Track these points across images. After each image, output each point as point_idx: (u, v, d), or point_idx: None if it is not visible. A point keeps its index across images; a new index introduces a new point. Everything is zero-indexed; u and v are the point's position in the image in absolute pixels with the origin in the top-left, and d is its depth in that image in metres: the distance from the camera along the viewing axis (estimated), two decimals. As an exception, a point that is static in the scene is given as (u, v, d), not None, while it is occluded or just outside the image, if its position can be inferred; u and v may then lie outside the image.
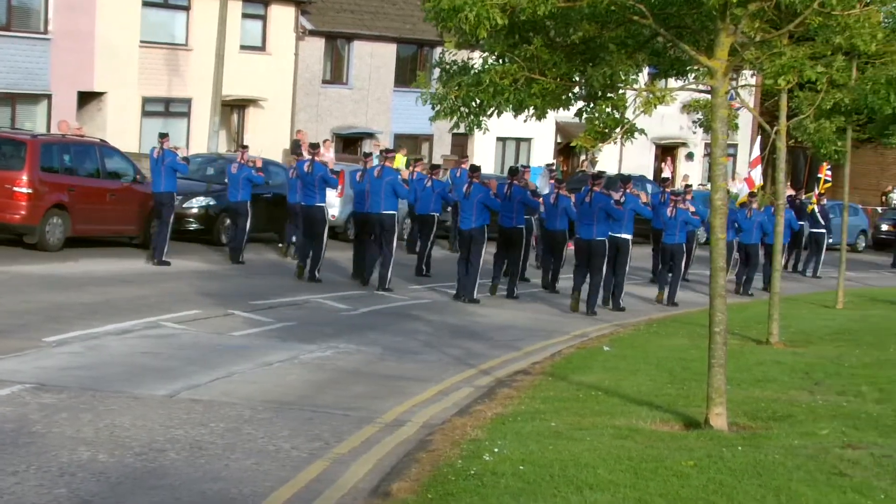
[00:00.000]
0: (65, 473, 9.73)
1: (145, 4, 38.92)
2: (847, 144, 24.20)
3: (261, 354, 15.81)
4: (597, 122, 12.79)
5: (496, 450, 10.68)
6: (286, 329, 18.12)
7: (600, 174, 25.84)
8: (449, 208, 30.42)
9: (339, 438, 11.64)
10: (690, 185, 32.30)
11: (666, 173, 53.55)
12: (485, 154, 48.34)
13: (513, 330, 20.17)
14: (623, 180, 25.74)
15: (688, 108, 52.85)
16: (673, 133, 55.73)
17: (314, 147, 25.26)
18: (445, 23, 11.77)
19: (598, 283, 23.29)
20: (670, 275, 26.13)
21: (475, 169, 24.55)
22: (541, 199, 25.58)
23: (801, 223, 35.50)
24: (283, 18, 42.93)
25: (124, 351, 15.37)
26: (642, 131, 13.08)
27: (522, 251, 25.31)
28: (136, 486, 9.56)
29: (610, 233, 23.43)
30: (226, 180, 28.09)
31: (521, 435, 11.44)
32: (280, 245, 29.74)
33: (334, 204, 31.16)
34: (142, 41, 38.69)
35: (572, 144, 14.13)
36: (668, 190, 28.74)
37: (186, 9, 40.13)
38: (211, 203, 28.64)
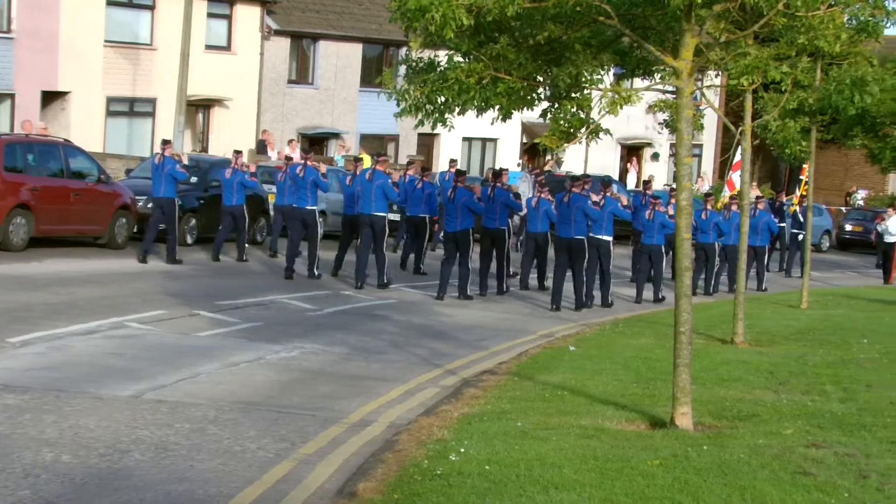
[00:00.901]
0: (29, 475, 9.68)
1: (109, 4, 38.80)
2: (811, 145, 24.32)
3: (227, 355, 15.76)
4: (562, 122, 12.79)
5: (462, 450, 10.68)
6: (252, 329, 18.08)
7: (586, 177, 26.71)
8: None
9: (306, 439, 11.62)
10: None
11: (631, 173, 53.75)
12: (451, 154, 48.34)
13: (479, 330, 20.18)
14: (604, 183, 26.42)
15: (653, 108, 52.90)
16: (638, 133, 55.88)
17: (307, 152, 26.40)
18: (411, 23, 11.75)
19: (581, 281, 23.89)
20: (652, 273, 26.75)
21: (461, 173, 25.66)
22: (523, 202, 26.38)
23: (782, 225, 35.96)
24: (248, 18, 42.84)
25: (89, 351, 15.30)
26: (607, 131, 13.09)
27: (507, 250, 25.84)
28: (100, 488, 9.52)
29: (590, 234, 23.98)
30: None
31: (487, 435, 11.44)
32: (246, 245, 29.78)
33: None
34: (106, 41, 38.58)
35: (536, 141, 14.13)
36: (648, 192, 29.12)
37: (151, 8, 40.02)
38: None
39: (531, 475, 9.79)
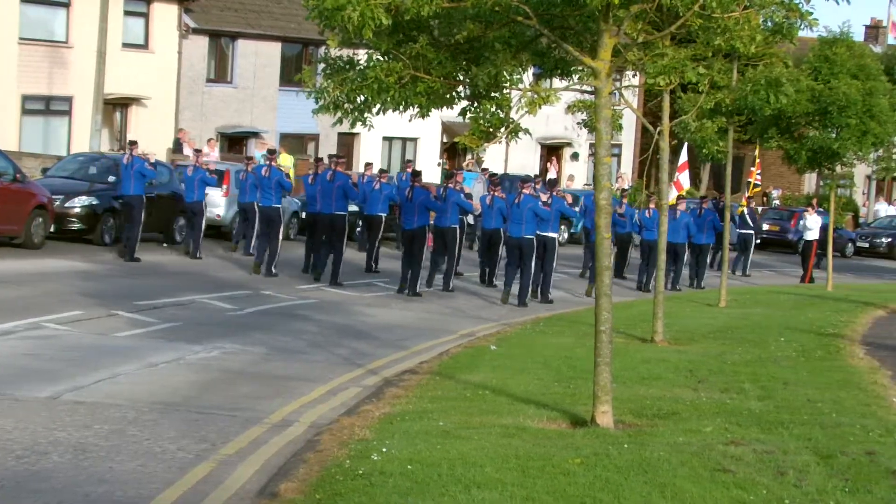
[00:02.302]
0: (-56, 478, 9.56)
1: (24, 1, 38.26)
2: (728, 145, 24.55)
3: (146, 355, 15.64)
4: (481, 122, 12.82)
5: (384, 449, 10.67)
6: (171, 330, 17.95)
7: (529, 177, 28.75)
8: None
9: (226, 439, 11.56)
10: (627, 189, 34.57)
11: (551, 173, 53.96)
12: (371, 153, 48.31)
13: (400, 329, 20.18)
14: (550, 183, 28.09)
15: (572, 108, 53.23)
16: (558, 133, 56.09)
17: (271, 153, 27.92)
18: (329, 22, 11.71)
19: (528, 278, 25.03)
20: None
21: (417, 174, 26.80)
22: (476, 203, 28.11)
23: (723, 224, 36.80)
24: (165, 16, 42.50)
25: (5, 352, 15.11)
26: (527, 131, 13.14)
27: (457, 248, 26.84)
28: (18, 490, 9.41)
29: (538, 231, 25.08)
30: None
31: (409, 434, 11.44)
32: (164, 245, 29.64)
33: (219, 204, 31.04)
34: (21, 38, 38.05)
35: (456, 140, 14.15)
36: None
37: (66, 6, 39.53)
38: (94, 202, 28.28)
39: (453, 474, 9.80)
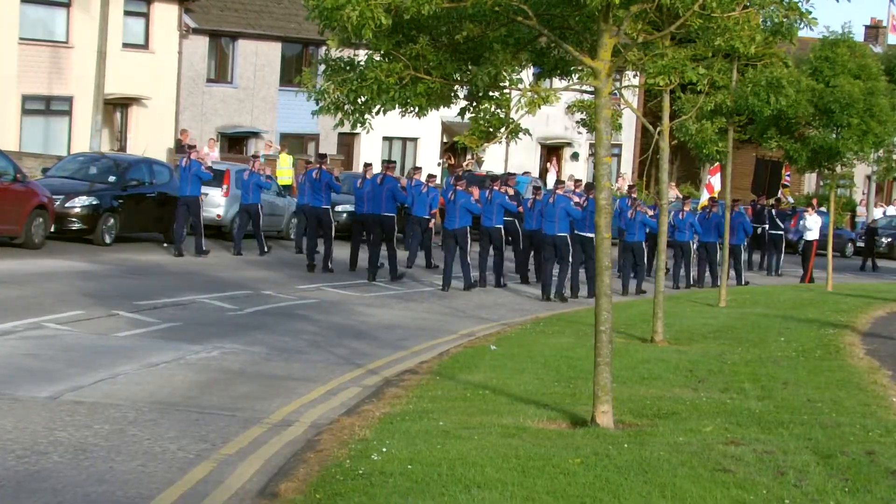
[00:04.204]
0: (-55, 478, 9.56)
1: (24, 1, 38.24)
2: (728, 145, 24.53)
3: (146, 355, 15.64)
4: (482, 122, 12.83)
5: (384, 449, 10.68)
6: (171, 329, 17.95)
7: (560, 182, 30.33)
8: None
9: (226, 439, 11.57)
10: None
11: (551, 173, 54.00)
12: (371, 153, 48.29)
13: (400, 329, 20.18)
14: (587, 186, 29.11)
15: (572, 108, 53.30)
16: (558, 133, 56.12)
17: (322, 157, 29.88)
18: (329, 22, 11.71)
19: (565, 273, 26.74)
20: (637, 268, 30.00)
21: (459, 178, 29.10)
22: (519, 205, 29.68)
23: (761, 226, 39.41)
24: (166, 16, 42.48)
25: (5, 352, 15.10)
26: (527, 131, 13.15)
27: (501, 247, 28.40)
28: (18, 490, 9.41)
29: (577, 231, 26.66)
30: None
31: (409, 434, 11.45)
32: (165, 245, 29.60)
33: (219, 203, 31.06)
34: (21, 38, 38.04)
35: (456, 140, 14.14)
36: (632, 195, 31.55)
37: (66, 6, 39.52)
38: (94, 202, 28.28)
39: (453, 474, 9.81)
